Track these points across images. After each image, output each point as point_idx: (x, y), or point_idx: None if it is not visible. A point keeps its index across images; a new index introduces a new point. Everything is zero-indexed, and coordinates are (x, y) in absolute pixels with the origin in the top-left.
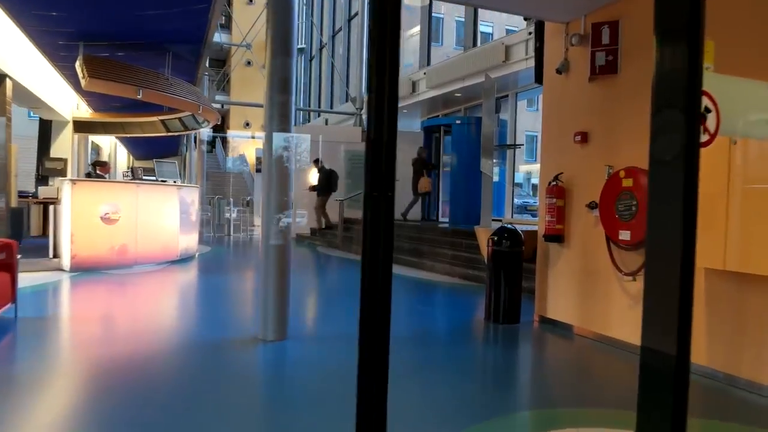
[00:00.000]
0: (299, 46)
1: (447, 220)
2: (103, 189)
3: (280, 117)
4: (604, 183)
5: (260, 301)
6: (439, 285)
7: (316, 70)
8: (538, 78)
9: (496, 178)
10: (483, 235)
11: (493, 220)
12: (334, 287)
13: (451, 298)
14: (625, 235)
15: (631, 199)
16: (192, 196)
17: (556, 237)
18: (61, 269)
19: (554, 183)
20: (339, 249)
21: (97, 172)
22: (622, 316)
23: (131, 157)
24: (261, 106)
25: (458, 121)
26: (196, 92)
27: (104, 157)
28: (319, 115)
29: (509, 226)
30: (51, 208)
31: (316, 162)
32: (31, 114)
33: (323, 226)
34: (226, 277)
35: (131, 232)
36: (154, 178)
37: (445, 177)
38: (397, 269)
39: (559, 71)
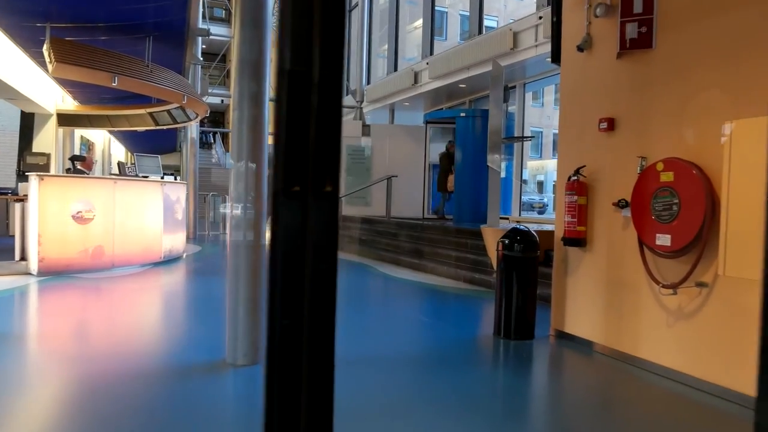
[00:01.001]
0: None
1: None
2: (76, 185)
3: (249, 107)
4: (637, 178)
5: (228, 316)
6: (442, 290)
7: None
8: (555, 57)
9: (503, 174)
10: (490, 236)
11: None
12: None
13: (455, 306)
14: (663, 239)
15: (672, 196)
16: (178, 192)
17: (576, 240)
18: (28, 273)
19: (575, 178)
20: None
21: (78, 167)
22: (656, 335)
23: (129, 154)
24: None
25: (463, 114)
26: (180, 81)
27: (97, 154)
28: None
29: (522, 227)
30: (17, 205)
31: None
32: None
33: None
34: (211, 280)
35: (108, 233)
36: (145, 174)
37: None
38: (395, 271)
39: (580, 48)
